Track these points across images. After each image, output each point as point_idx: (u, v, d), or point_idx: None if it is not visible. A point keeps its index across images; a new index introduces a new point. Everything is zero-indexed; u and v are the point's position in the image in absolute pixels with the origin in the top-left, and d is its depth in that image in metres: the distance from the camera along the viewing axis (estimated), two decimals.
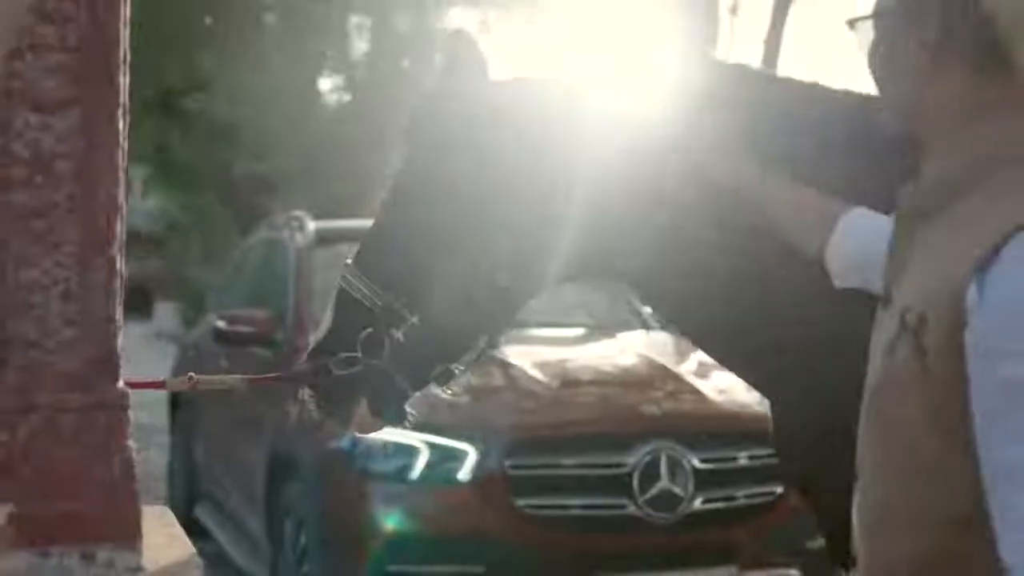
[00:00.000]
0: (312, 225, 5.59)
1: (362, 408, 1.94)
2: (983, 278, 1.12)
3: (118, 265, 1.36)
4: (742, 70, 2.14)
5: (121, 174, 1.56)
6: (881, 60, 1.35)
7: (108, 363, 1.36)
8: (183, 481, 6.34)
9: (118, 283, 1.37)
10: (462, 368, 2.03)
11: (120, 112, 1.59)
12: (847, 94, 2.18)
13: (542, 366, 4.44)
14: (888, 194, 1.44)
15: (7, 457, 1.30)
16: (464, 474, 3.99)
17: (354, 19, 15.48)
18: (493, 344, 2.09)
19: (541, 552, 3.86)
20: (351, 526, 4.14)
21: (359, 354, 1.90)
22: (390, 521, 4.06)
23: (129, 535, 1.36)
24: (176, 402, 6.57)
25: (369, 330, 1.92)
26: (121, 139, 1.60)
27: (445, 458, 4.04)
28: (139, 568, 1.36)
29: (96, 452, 1.36)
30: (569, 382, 4.39)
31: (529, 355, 4.46)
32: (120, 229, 1.49)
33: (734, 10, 15.07)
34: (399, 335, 1.92)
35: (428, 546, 4.03)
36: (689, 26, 5.87)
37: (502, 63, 2.10)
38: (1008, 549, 1.08)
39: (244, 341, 4.99)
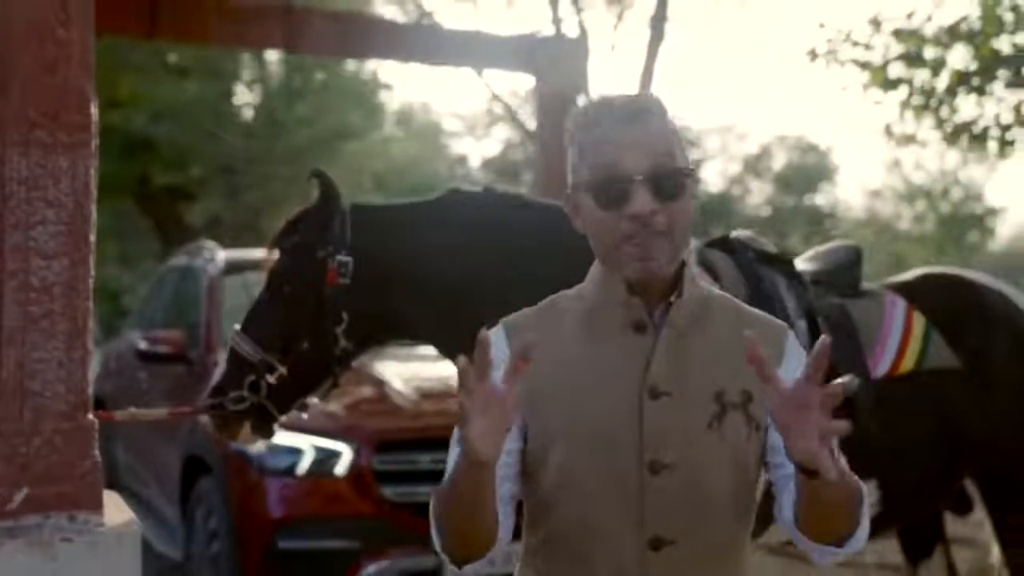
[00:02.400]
0: (222, 254, 5.99)
1: (245, 429, 2.85)
2: (781, 363, 1.53)
3: (89, 348, 2.24)
4: (501, 197, 2.99)
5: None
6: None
7: (83, 403, 2.25)
8: (105, 476, 6.85)
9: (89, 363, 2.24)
10: (315, 400, 2.95)
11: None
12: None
13: (405, 380, 4.87)
14: None
15: (23, 461, 2.18)
16: (341, 469, 4.46)
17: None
18: (335, 385, 2.98)
19: (401, 530, 4.30)
20: (251, 512, 4.52)
21: (246, 393, 2.80)
22: (282, 507, 4.48)
23: (96, 505, 2.20)
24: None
25: (252, 377, 2.82)
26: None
27: (326, 456, 4.49)
28: (101, 524, 2.22)
29: (77, 457, 2.23)
30: (426, 394, 4.81)
31: (396, 371, 4.94)
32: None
33: (612, 47, 15.74)
34: (272, 380, 2.83)
35: (313, 526, 4.43)
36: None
37: None
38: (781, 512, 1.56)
39: (161, 359, 5.37)
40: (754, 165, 33.39)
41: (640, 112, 1.52)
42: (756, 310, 1.66)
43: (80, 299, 2.24)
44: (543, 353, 1.50)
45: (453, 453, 1.56)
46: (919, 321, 3.13)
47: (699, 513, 1.53)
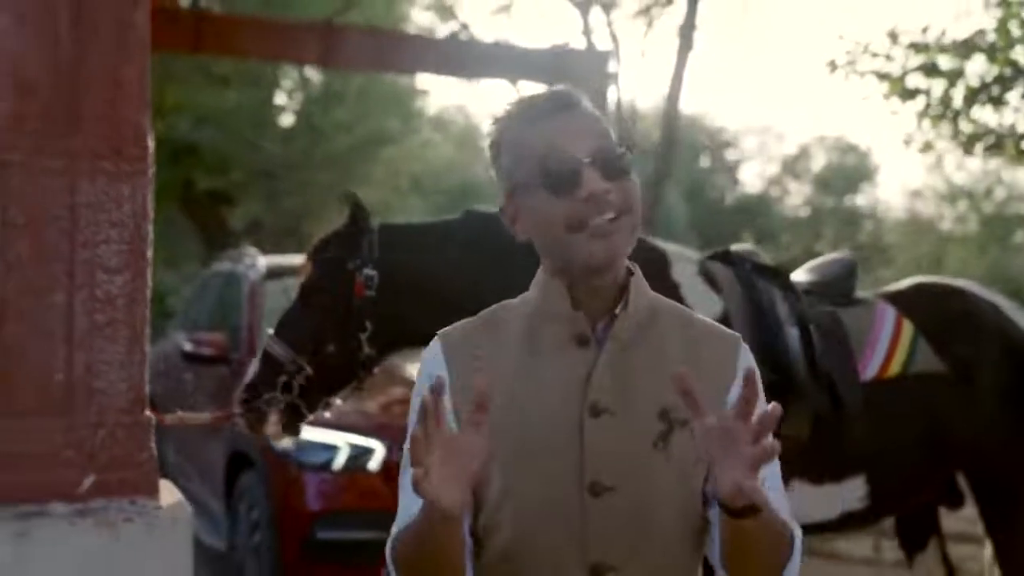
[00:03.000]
0: (263, 261, 6.26)
1: (275, 425, 3.13)
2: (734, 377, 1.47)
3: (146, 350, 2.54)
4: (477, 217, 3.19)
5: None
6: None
7: (141, 401, 2.55)
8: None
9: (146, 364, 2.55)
10: (339, 400, 3.23)
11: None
12: None
13: None
14: None
15: (91, 451, 2.48)
16: (374, 465, 4.77)
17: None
18: (359, 387, 3.26)
19: None
20: (291, 505, 4.80)
21: (279, 395, 3.09)
22: (319, 500, 4.79)
23: (153, 491, 2.49)
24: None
25: (283, 378, 3.11)
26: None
27: (360, 453, 4.79)
28: (157, 507, 2.51)
29: (136, 448, 2.52)
30: None
31: None
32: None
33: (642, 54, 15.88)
34: (301, 380, 3.11)
35: (348, 518, 4.70)
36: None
37: None
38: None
39: (205, 361, 5.65)
40: (792, 166, 33.28)
41: (567, 101, 1.49)
42: (707, 320, 1.60)
43: (139, 308, 2.53)
44: (483, 365, 1.48)
45: (406, 494, 1.45)
46: (908, 328, 3.34)
47: (643, 538, 1.45)
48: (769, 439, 1.26)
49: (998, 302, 3.61)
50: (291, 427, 3.17)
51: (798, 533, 1.47)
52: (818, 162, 33.00)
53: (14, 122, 2.43)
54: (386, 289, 3.09)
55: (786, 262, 3.84)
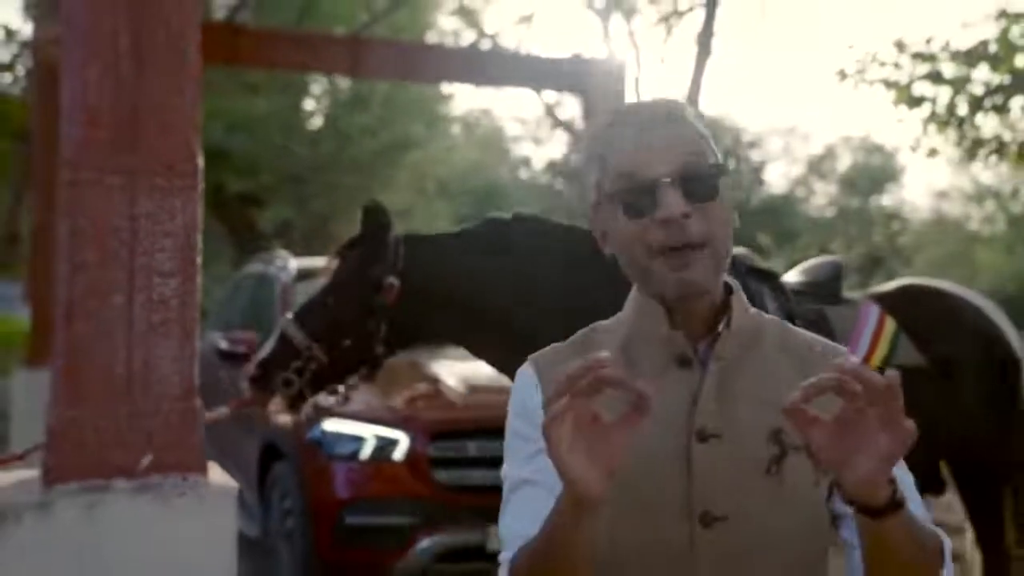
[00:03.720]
0: (294, 263, 6.47)
1: (279, 402, 3.42)
2: None
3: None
4: (515, 224, 3.41)
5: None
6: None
7: (191, 391, 2.88)
8: None
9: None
10: (345, 387, 3.51)
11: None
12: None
13: (457, 376, 5.22)
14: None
15: (148, 434, 2.81)
16: (399, 455, 4.82)
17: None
18: (367, 377, 3.53)
19: (452, 509, 4.69)
20: (321, 493, 4.87)
21: (293, 377, 3.38)
22: (348, 488, 4.84)
23: (203, 469, 2.82)
24: None
25: (298, 363, 3.40)
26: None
27: (386, 444, 4.85)
28: (207, 483, 2.83)
29: (187, 432, 2.85)
30: (475, 389, 5.13)
31: (448, 369, 5.32)
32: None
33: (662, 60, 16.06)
34: (314, 366, 3.41)
35: (374, 505, 4.78)
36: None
37: None
38: None
39: (239, 358, 5.77)
40: (818, 166, 33.24)
41: (665, 114, 1.38)
42: (813, 335, 1.50)
43: (189, 309, 2.87)
44: None
45: (518, 519, 1.35)
46: (890, 324, 3.56)
47: (759, 570, 1.34)
48: (904, 419, 1.13)
49: (980, 304, 3.80)
50: (295, 408, 3.46)
51: (947, 542, 1.33)
52: (844, 162, 32.88)
53: (83, 145, 2.77)
54: (406, 297, 3.35)
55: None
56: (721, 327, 1.39)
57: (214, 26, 7.21)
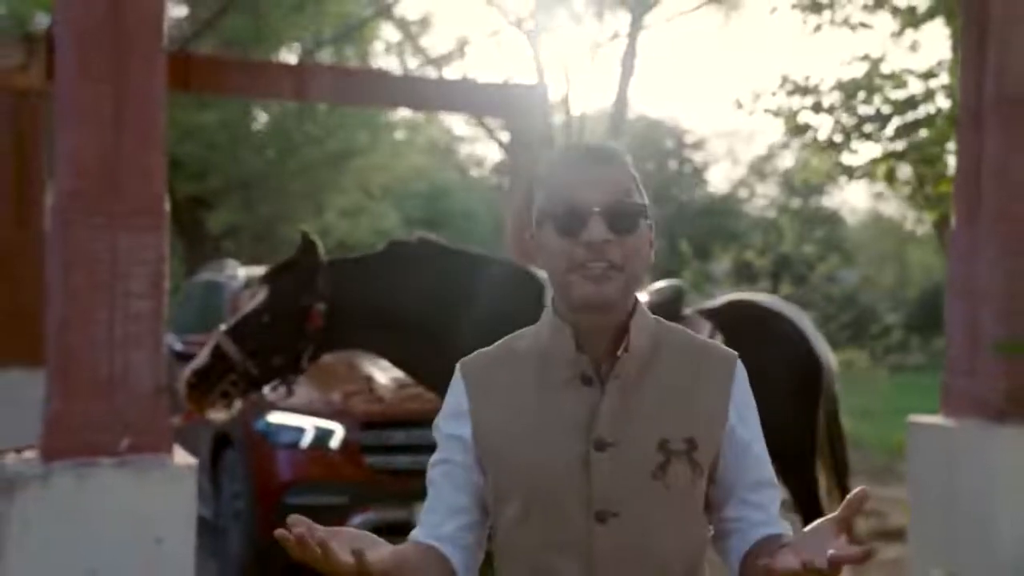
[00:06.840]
0: (242, 271, 6.95)
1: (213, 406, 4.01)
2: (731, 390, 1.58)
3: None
4: (434, 246, 4.00)
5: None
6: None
7: (160, 389, 3.59)
8: None
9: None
10: (269, 391, 4.04)
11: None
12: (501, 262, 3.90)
13: (387, 374, 5.64)
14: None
15: (126, 423, 3.50)
16: (335, 443, 5.33)
17: (283, 53, 16.34)
18: (288, 383, 4.04)
19: (381, 490, 5.17)
20: (266, 477, 5.37)
21: (229, 388, 3.94)
22: (290, 473, 5.34)
23: (170, 450, 3.51)
24: None
25: (233, 376, 3.95)
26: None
27: (323, 434, 5.34)
28: (173, 462, 3.56)
29: (157, 420, 3.49)
30: (402, 385, 5.51)
31: (379, 367, 5.77)
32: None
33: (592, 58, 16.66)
34: (247, 378, 3.92)
35: (313, 487, 5.27)
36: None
37: None
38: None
39: (193, 358, 5.84)
40: (760, 167, 33.83)
41: (603, 156, 1.55)
42: (708, 342, 1.69)
43: (158, 323, 3.59)
44: (499, 399, 1.57)
45: (434, 499, 1.63)
46: (718, 337, 4.06)
47: (646, 559, 1.53)
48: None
49: (793, 316, 4.41)
50: (227, 409, 3.99)
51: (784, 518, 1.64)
52: (789, 162, 33.44)
53: (73, 194, 3.48)
54: (333, 317, 3.85)
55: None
56: (620, 351, 1.54)
57: (168, 55, 7.74)
